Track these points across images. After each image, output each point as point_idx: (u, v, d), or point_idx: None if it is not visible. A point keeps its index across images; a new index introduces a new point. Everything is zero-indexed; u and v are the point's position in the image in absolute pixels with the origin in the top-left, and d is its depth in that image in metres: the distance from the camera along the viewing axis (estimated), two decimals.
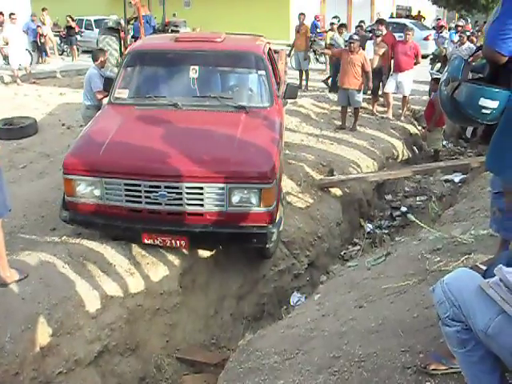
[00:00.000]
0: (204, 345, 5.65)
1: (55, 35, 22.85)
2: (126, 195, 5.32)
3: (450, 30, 18.46)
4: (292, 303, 6.38)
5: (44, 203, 7.11)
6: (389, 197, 9.26)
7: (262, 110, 6.38)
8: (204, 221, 5.34)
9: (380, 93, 11.89)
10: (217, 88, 6.85)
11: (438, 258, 3.57)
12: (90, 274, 5.22)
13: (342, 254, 7.39)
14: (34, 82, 15.88)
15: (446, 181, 9.32)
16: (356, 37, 9.99)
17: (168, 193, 5.18)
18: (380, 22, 12.33)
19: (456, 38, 13.64)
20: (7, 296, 4.80)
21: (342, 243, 7.57)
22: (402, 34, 11.37)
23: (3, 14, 15.68)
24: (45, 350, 4.58)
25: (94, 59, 8.09)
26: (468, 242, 3.83)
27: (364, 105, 11.75)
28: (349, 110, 10.50)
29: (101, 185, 5.33)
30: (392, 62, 11.43)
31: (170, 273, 5.58)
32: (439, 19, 26.30)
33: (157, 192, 5.19)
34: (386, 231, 8.00)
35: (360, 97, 10.22)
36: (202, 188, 5.18)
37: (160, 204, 5.25)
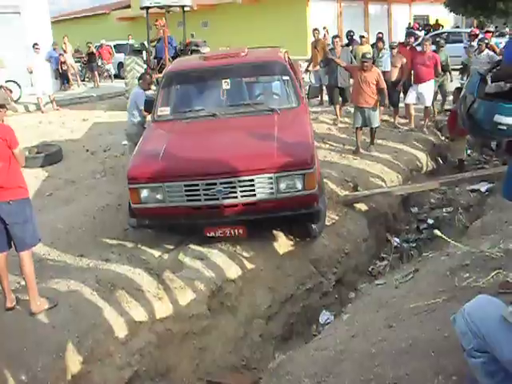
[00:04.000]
0: (234, 367, 5.61)
1: (76, 61, 23.19)
2: (187, 195, 5.89)
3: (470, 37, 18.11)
4: (321, 321, 6.33)
5: (71, 230, 7.19)
6: (415, 209, 9.13)
7: (292, 110, 7.04)
8: (257, 209, 5.95)
9: (401, 105, 11.77)
10: (248, 96, 7.60)
11: (467, 274, 3.51)
12: (119, 300, 5.28)
13: (369, 269, 7.29)
14: (57, 109, 16.18)
15: (473, 190, 9.16)
16: (369, 55, 9.82)
17: (223, 188, 5.76)
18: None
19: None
20: (38, 325, 4.88)
21: (370, 259, 7.47)
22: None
23: None
24: (76, 378, 4.62)
25: (140, 80, 8.75)
26: (497, 257, 3.77)
27: (385, 117, 11.68)
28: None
29: (162, 189, 5.89)
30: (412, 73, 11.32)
31: (198, 296, 5.60)
32: (473, 28, 25.89)
33: (214, 188, 5.77)
34: (414, 245, 7.88)
35: (377, 115, 9.86)
36: (252, 180, 5.78)
37: (217, 199, 5.84)
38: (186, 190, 5.87)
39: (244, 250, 6.26)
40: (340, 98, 12.14)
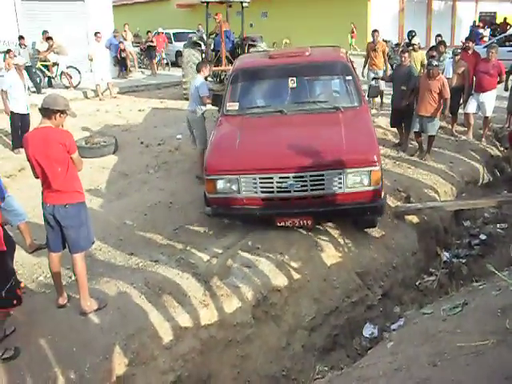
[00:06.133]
0: (275, 377, 5.65)
1: (135, 46, 23.48)
2: (261, 187, 6.36)
3: None
4: (365, 334, 6.30)
5: (122, 226, 7.36)
6: (467, 223, 8.92)
7: (354, 109, 7.43)
8: (325, 201, 6.38)
9: (461, 111, 11.44)
10: (313, 94, 7.92)
11: None
12: (166, 305, 5.38)
13: (417, 284, 7.20)
14: (115, 97, 16.48)
15: None
16: (435, 62, 9.50)
17: (295, 181, 6.21)
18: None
19: None
20: (87, 325, 5.03)
21: (418, 273, 7.36)
22: None
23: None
24: (121, 380, 4.74)
25: (198, 71, 9.00)
26: None
27: (443, 124, 11.39)
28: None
29: (238, 181, 6.36)
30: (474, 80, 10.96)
31: (244, 304, 5.66)
32: None
33: (286, 182, 6.24)
34: (464, 261, 7.73)
35: (435, 124, 9.59)
36: (322, 175, 6.23)
37: (289, 192, 6.30)
38: (260, 183, 6.33)
39: (292, 260, 6.28)
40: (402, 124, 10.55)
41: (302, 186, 6.25)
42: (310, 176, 6.21)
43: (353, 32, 27.90)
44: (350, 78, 7.75)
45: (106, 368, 4.66)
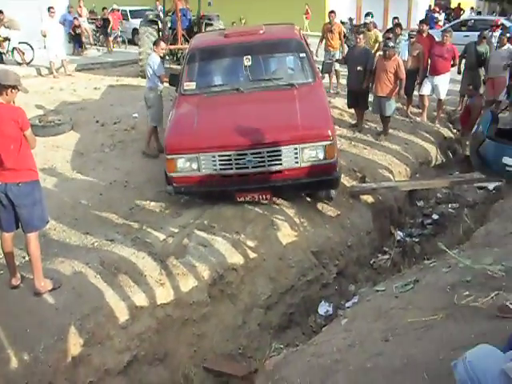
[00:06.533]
0: (231, 355, 5.70)
1: (90, 23, 22.87)
2: (220, 165, 6.53)
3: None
4: (320, 312, 6.40)
5: (77, 205, 7.25)
6: (421, 203, 9.14)
7: (309, 85, 7.62)
8: (283, 176, 6.61)
9: (416, 93, 11.60)
10: (268, 71, 8.09)
11: (467, 292, 3.51)
12: (121, 284, 5.35)
13: (371, 262, 7.34)
14: (69, 75, 16.07)
15: (480, 188, 9.16)
16: (391, 44, 9.62)
17: (253, 158, 6.42)
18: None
19: None
20: (41, 306, 4.96)
21: (372, 251, 7.51)
22: None
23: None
24: (76, 360, 4.71)
25: (153, 49, 9.13)
26: (498, 276, 3.77)
27: (398, 105, 11.53)
28: None
29: (197, 159, 6.52)
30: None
31: (200, 283, 5.68)
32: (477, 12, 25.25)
33: (244, 158, 6.42)
34: (417, 240, 7.91)
35: (392, 104, 9.76)
36: (280, 151, 6.44)
37: (247, 168, 6.50)
38: (219, 160, 6.50)
39: (248, 239, 6.32)
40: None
41: (259, 162, 6.45)
42: (267, 152, 6.41)
43: (307, 13, 28.05)
44: (303, 54, 7.95)
45: (60, 348, 4.62)
